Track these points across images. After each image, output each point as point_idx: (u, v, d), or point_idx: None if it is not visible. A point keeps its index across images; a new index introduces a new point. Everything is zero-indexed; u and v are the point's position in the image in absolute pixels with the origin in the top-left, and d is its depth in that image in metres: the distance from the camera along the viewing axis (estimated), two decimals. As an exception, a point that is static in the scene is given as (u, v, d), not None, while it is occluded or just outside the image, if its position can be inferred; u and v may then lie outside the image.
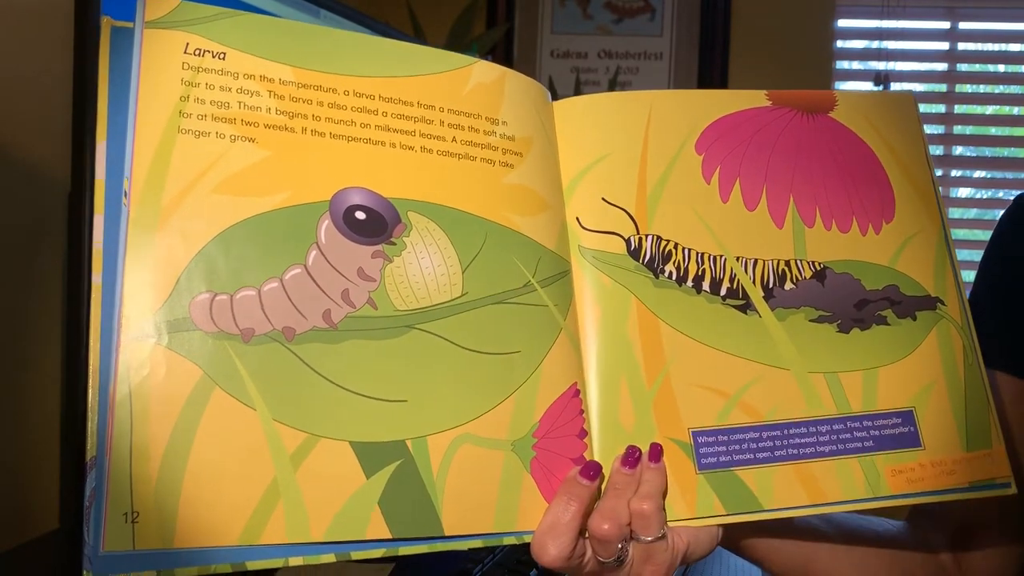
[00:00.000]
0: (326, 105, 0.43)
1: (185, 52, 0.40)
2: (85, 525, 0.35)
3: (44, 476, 0.85)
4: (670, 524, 0.44)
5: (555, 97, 0.50)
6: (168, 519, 0.36)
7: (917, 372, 0.49)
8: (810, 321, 0.49)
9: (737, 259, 0.49)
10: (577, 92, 1.57)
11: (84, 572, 0.35)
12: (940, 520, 0.62)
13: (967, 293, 0.53)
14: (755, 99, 0.52)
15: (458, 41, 1.48)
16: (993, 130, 1.70)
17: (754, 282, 0.49)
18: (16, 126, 0.82)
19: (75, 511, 0.37)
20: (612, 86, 1.62)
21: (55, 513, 0.86)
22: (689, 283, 0.48)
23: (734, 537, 0.53)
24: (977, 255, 1.56)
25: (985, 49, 1.68)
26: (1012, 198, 0.62)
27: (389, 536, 0.39)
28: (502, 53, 1.66)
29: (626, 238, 0.48)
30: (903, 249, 0.51)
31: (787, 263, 0.49)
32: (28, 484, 0.84)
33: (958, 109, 1.68)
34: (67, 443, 0.83)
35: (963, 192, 1.70)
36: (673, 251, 0.48)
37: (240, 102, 0.41)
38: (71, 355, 0.60)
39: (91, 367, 0.37)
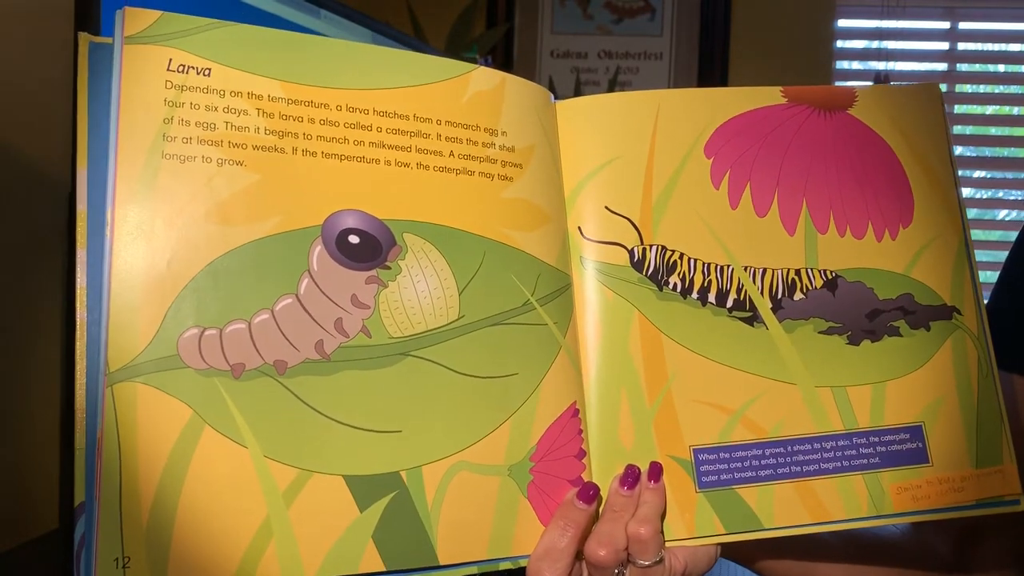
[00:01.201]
0: (318, 122, 0.41)
1: (168, 69, 0.38)
2: (75, 571, 0.35)
3: (44, 476, 0.86)
4: (668, 545, 0.44)
5: (555, 98, 0.48)
6: (159, 563, 0.35)
7: (928, 385, 0.48)
8: (819, 333, 0.47)
9: (745, 269, 0.47)
10: (577, 92, 1.56)
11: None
12: (944, 524, 0.61)
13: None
14: (770, 96, 0.50)
15: (458, 41, 1.47)
16: (993, 130, 1.70)
17: (762, 293, 0.47)
18: (16, 126, 0.82)
19: (75, 511, 0.36)
20: (612, 86, 1.61)
21: (55, 513, 0.86)
22: (694, 295, 0.47)
23: (731, 545, 0.52)
24: (977, 256, 1.56)
25: (985, 49, 1.68)
26: (1012, 198, 0.61)
27: (383, 569, 0.39)
28: (502, 53, 1.65)
29: (629, 249, 0.46)
30: (920, 256, 0.49)
31: (797, 272, 0.48)
32: (28, 484, 0.84)
33: (958, 109, 1.67)
34: (67, 443, 0.83)
35: (963, 192, 1.68)
36: (678, 262, 0.47)
37: (227, 122, 0.39)
38: (71, 355, 0.59)
39: (77, 408, 0.36)
